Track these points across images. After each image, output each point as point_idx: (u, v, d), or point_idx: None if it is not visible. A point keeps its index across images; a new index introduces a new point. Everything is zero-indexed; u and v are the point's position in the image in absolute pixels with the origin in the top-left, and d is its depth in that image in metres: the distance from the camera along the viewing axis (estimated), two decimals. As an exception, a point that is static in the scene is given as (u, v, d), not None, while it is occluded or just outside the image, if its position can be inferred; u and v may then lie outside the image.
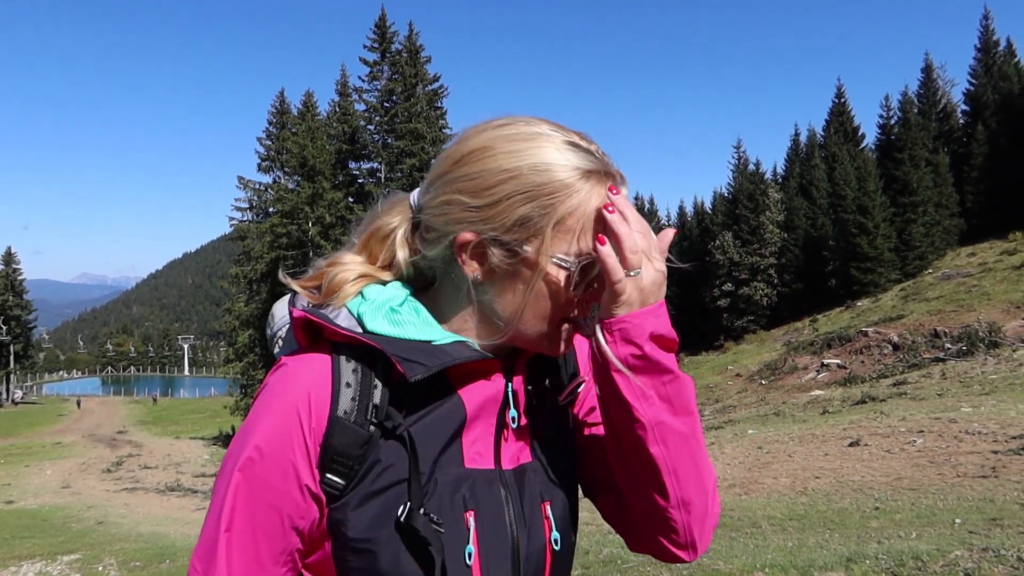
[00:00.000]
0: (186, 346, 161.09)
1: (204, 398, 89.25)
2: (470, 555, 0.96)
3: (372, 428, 0.96)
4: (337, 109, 44.46)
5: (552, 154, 0.97)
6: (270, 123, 47.61)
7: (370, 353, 0.98)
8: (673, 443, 0.99)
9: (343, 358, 0.97)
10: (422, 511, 0.93)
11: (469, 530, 0.97)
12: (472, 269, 1.00)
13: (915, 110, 54.54)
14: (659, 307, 0.98)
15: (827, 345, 39.74)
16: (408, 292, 1.06)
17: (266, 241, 41.86)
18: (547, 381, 1.14)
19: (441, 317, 1.04)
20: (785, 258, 54.67)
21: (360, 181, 42.72)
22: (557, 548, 1.06)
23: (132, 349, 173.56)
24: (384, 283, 1.06)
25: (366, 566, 0.94)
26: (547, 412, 1.12)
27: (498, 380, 1.04)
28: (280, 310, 1.13)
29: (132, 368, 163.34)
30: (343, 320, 1.00)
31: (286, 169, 43.50)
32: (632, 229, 0.96)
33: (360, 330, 0.99)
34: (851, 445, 11.68)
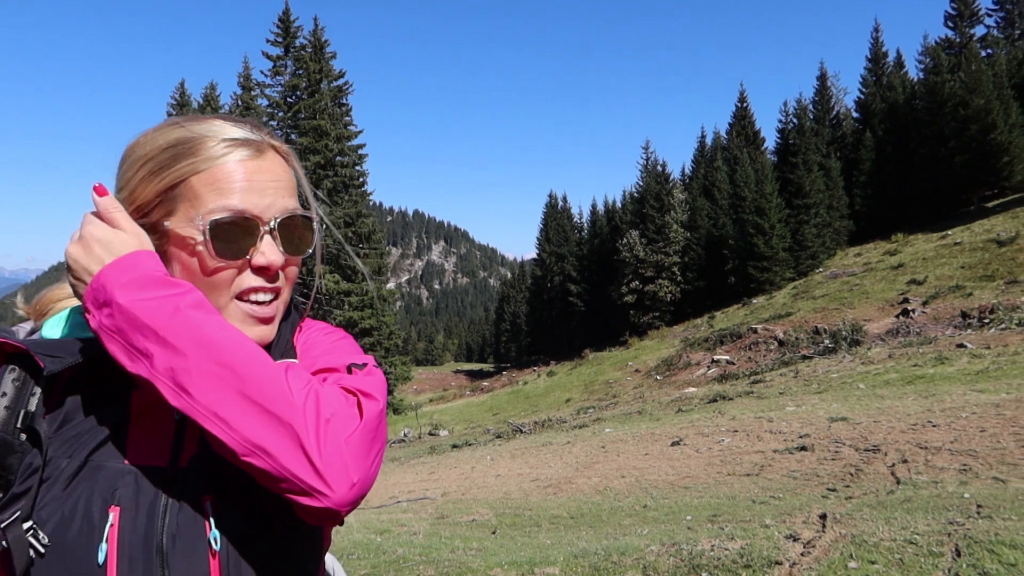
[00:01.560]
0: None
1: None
2: (102, 552, 0.91)
3: (23, 436, 0.94)
4: (239, 103, 43.80)
5: (187, 132, 1.01)
6: (169, 115, 46.33)
7: (33, 363, 0.97)
8: (202, 386, 0.89)
9: (8, 368, 0.97)
10: (31, 521, 0.92)
11: (113, 526, 0.92)
12: None
13: (810, 116, 57.08)
14: (124, 258, 0.94)
15: (720, 342, 41.48)
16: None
17: (163, 237, 40.99)
18: None
19: None
20: (688, 256, 56.53)
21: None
22: (216, 547, 0.96)
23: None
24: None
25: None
26: None
27: None
28: None
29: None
30: (23, 333, 1.05)
31: (185, 164, 42.53)
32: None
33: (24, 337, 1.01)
34: (673, 444, 12.50)
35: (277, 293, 1.03)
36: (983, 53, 55.51)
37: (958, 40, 56.85)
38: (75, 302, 1.07)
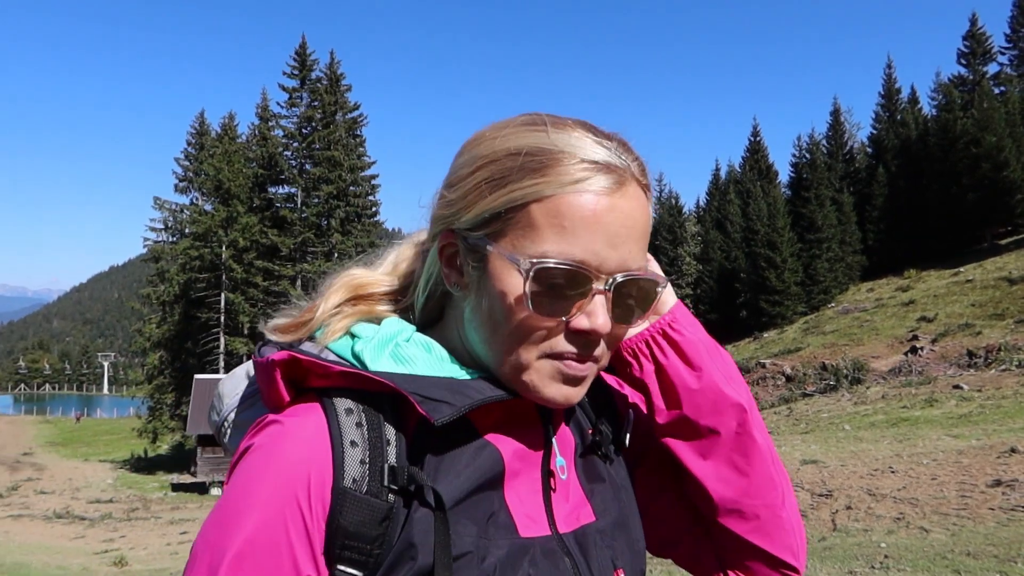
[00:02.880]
0: (106, 364, 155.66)
1: (122, 418, 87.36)
2: None
3: (391, 498, 0.76)
4: (257, 132, 44.89)
5: (541, 139, 0.81)
6: (189, 143, 47.80)
7: (375, 399, 0.79)
8: (762, 426, 0.90)
9: (342, 410, 0.78)
10: None
11: None
12: (449, 278, 0.86)
13: (823, 151, 57.30)
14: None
15: (727, 376, 41.48)
16: (412, 328, 0.89)
17: (179, 263, 41.95)
18: (591, 426, 0.97)
19: (459, 351, 0.87)
20: (700, 289, 56.69)
21: (276, 206, 43.13)
22: None
23: (47, 366, 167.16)
24: (379, 321, 0.89)
25: None
26: (600, 461, 0.95)
27: (535, 424, 0.89)
28: (229, 387, 0.96)
29: (47, 386, 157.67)
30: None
31: (203, 191, 43.71)
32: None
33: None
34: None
35: (594, 361, 0.84)
36: (996, 91, 55.56)
37: (971, 77, 56.95)
38: (349, 322, 0.88)
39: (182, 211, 45.33)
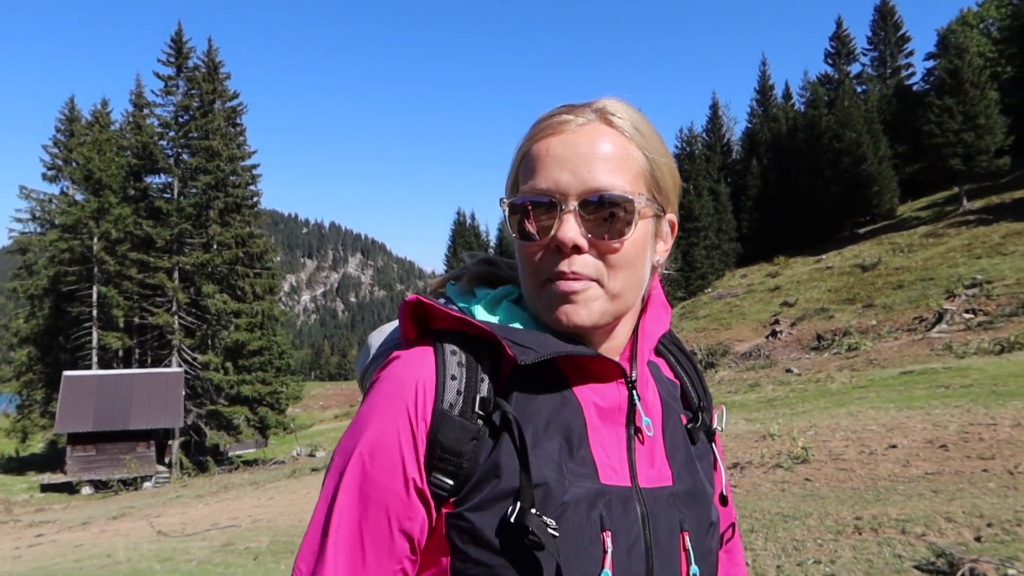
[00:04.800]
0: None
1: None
2: None
3: (480, 422, 0.89)
4: (131, 120, 43.47)
5: (535, 122, 0.99)
6: (58, 130, 45.69)
7: (477, 344, 0.93)
8: None
9: (448, 349, 0.92)
10: (534, 512, 0.84)
11: (606, 553, 0.88)
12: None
13: (700, 144, 59.90)
14: None
15: (605, 361, 43.12)
16: (517, 293, 1.03)
17: (48, 255, 40.33)
18: (692, 409, 1.10)
19: (539, 317, 0.98)
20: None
21: (152, 196, 41.95)
22: None
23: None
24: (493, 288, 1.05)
25: None
26: (685, 436, 1.05)
27: (620, 387, 0.97)
28: (375, 340, 1.14)
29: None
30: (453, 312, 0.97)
31: (73, 180, 42.05)
32: None
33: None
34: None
35: (587, 279, 0.92)
36: (859, 89, 59.38)
37: (836, 76, 60.54)
38: (472, 284, 1.06)
39: (51, 201, 43.44)
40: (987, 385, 12.44)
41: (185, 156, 41.94)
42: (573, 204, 0.91)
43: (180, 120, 42.45)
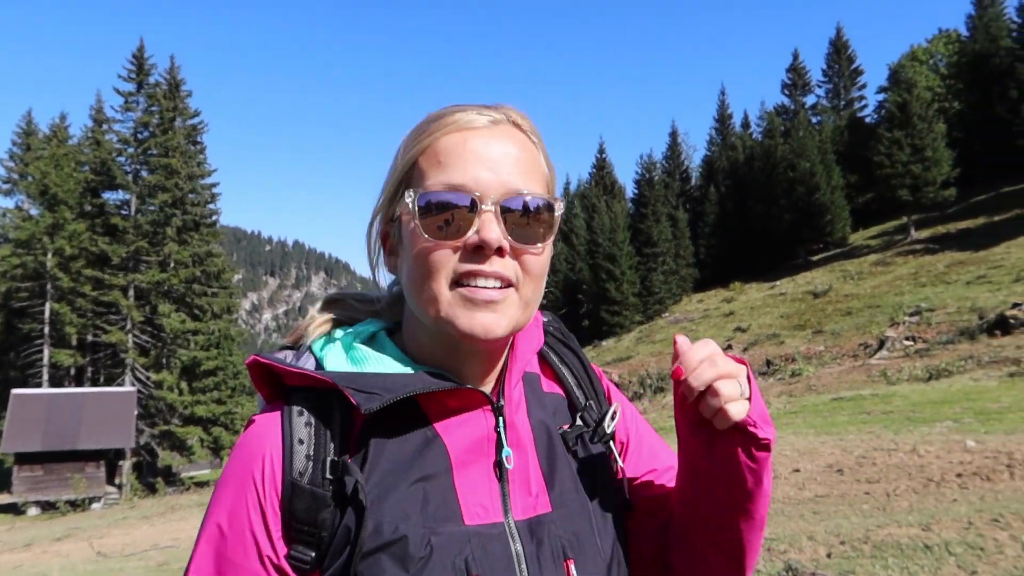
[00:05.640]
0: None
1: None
2: None
3: (331, 487, 0.85)
4: (90, 135, 43.20)
5: (424, 119, 0.94)
6: (14, 143, 45.23)
7: (328, 398, 0.88)
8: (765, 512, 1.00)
9: (295, 410, 0.88)
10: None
11: None
12: (390, 265, 0.98)
13: (660, 170, 61.11)
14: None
15: (562, 384, 43.53)
16: (381, 327, 0.99)
17: (-1, 270, 39.82)
18: (570, 422, 1.03)
19: (415, 347, 0.95)
20: (547, 299, 58.64)
21: (108, 213, 41.59)
22: None
23: None
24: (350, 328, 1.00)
25: None
26: (566, 454, 1.00)
27: (487, 415, 0.92)
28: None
29: None
30: (303, 362, 0.94)
31: (28, 194, 41.56)
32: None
33: (314, 369, 0.92)
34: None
35: (506, 283, 0.88)
36: (814, 120, 61.08)
37: (792, 107, 62.21)
38: (328, 327, 1.00)
39: (4, 215, 42.87)
40: (905, 411, 13.03)
41: (144, 173, 41.73)
42: (493, 204, 0.87)
43: (139, 137, 42.29)
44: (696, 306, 53.76)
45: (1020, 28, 50.07)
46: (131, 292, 40.37)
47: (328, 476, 0.85)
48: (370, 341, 0.96)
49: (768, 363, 34.02)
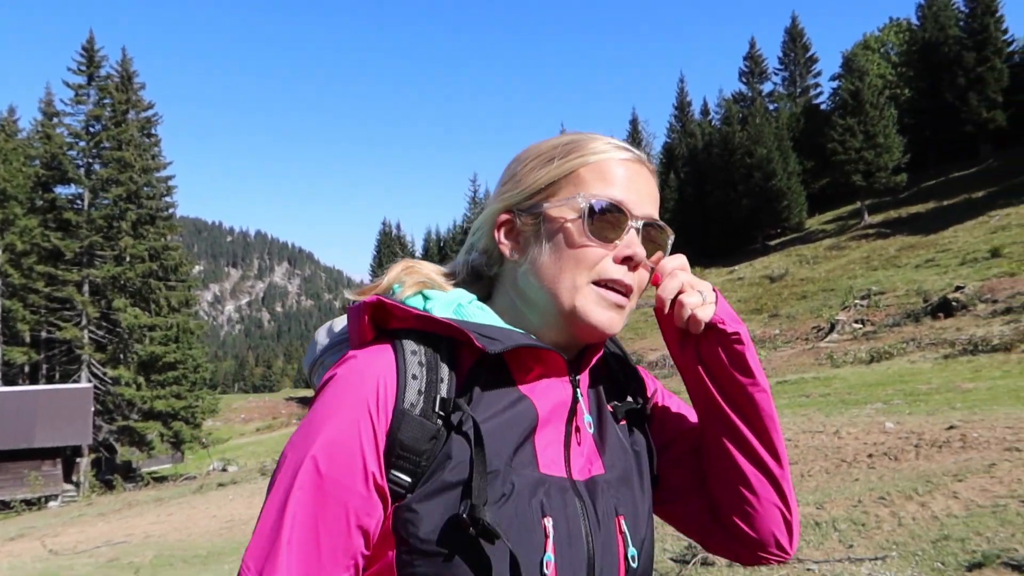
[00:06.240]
0: None
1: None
2: (547, 564, 0.91)
3: (439, 422, 0.92)
4: (40, 129, 42.30)
5: (574, 136, 1.06)
6: (-34, 137, 44.09)
7: (436, 344, 0.97)
8: (769, 404, 1.07)
9: (409, 349, 0.95)
10: (485, 507, 0.87)
11: (548, 537, 0.92)
12: (507, 248, 1.05)
13: (620, 158, 61.59)
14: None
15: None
16: (473, 297, 1.06)
17: (-52, 268, 38.84)
18: (617, 393, 1.15)
19: (513, 320, 1.04)
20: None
21: (60, 208, 40.81)
22: (634, 565, 1.02)
23: None
24: (444, 289, 1.07)
25: (434, 572, 0.88)
26: (618, 423, 1.11)
27: (566, 384, 1.03)
28: (322, 335, 1.13)
29: None
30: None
31: (-22, 190, 40.59)
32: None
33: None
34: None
35: (630, 291, 1.02)
36: (771, 107, 61.95)
37: (749, 94, 62.99)
38: (418, 288, 1.05)
39: (-47, 211, 41.85)
40: (842, 394, 13.48)
41: (96, 167, 40.97)
42: (638, 224, 1.01)
43: (91, 130, 41.47)
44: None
45: (968, 17, 51.22)
46: (86, 287, 39.74)
47: (438, 411, 0.92)
48: (470, 304, 1.04)
49: (724, 348, 34.69)
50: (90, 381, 38.59)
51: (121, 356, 40.00)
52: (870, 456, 7.76)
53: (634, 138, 63.99)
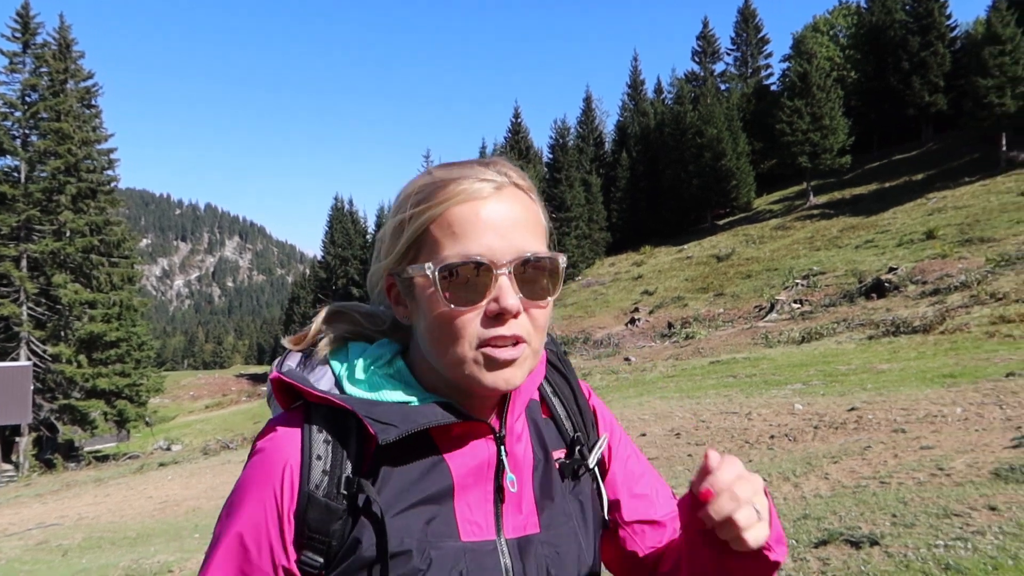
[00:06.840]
0: None
1: None
2: None
3: (345, 503, 0.93)
4: (-28, 99, 40.77)
5: (427, 179, 0.98)
6: None
7: (346, 419, 0.96)
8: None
9: (315, 427, 0.95)
10: None
11: None
12: (399, 313, 1.01)
13: (572, 135, 61.73)
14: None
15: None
16: (396, 349, 1.05)
17: None
18: (564, 452, 1.11)
19: (419, 375, 1.01)
20: (463, 264, 59.32)
21: (-5, 180, 39.56)
22: None
23: None
24: (371, 340, 1.06)
25: None
26: (559, 482, 1.07)
27: (489, 443, 1.00)
28: (274, 371, 1.13)
29: None
30: (324, 383, 0.99)
31: (-95, 164, 39.11)
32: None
33: (337, 392, 0.98)
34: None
35: (518, 340, 0.94)
36: (723, 87, 62.64)
37: (702, 74, 63.56)
38: (342, 343, 1.06)
39: None
40: (767, 375, 13.90)
41: (33, 138, 39.67)
42: (506, 269, 0.92)
43: (28, 100, 40.09)
44: (608, 269, 54.91)
45: (913, 2, 52.28)
46: (23, 263, 38.66)
47: (343, 491, 0.92)
48: (387, 365, 1.02)
49: (670, 325, 35.23)
50: (29, 359, 37.72)
51: (62, 333, 39.14)
52: (772, 438, 8.12)
53: (588, 116, 64.20)
